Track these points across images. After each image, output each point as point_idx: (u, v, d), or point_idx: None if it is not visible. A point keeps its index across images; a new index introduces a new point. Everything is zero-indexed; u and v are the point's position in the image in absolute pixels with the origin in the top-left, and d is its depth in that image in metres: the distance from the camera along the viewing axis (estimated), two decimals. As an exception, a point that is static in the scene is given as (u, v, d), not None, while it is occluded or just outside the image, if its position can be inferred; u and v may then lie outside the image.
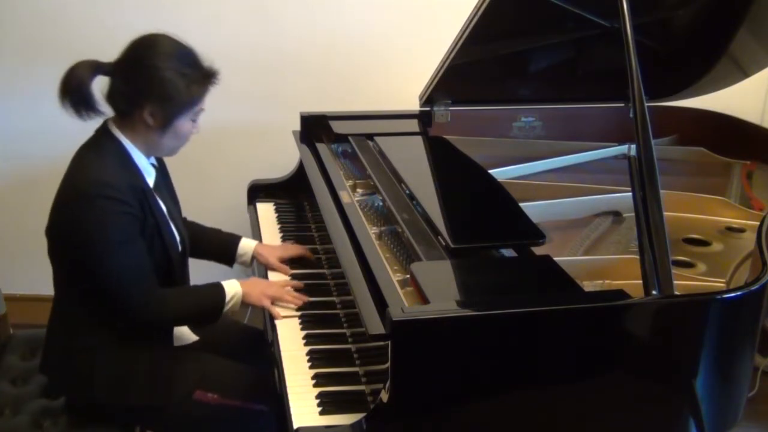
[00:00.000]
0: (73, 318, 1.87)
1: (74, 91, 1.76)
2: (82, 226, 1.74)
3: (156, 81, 1.75)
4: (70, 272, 1.84)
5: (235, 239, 2.20)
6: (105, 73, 1.80)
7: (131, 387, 1.84)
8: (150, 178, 1.88)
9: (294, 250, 2.19)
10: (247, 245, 2.19)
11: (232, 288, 1.91)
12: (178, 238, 1.94)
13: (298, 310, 1.94)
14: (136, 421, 1.98)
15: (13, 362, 2.11)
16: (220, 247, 2.20)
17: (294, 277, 2.13)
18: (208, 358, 1.97)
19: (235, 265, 2.23)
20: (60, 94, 1.78)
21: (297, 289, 2.00)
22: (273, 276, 2.11)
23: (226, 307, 1.89)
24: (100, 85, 1.81)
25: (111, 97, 1.80)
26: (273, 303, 1.93)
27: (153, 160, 1.93)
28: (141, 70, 1.77)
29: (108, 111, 1.83)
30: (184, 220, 2.09)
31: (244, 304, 1.92)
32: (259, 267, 2.18)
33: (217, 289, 1.90)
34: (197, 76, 1.80)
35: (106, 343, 1.85)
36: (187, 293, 1.96)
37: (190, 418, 1.87)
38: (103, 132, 1.85)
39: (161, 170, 1.99)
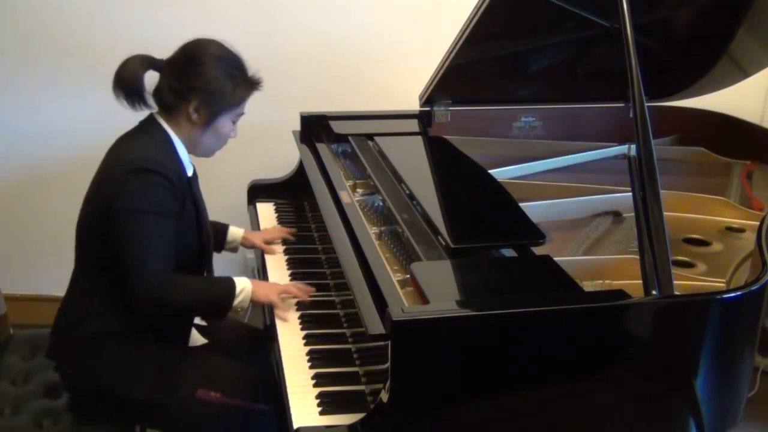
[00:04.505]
0: (89, 302, 1.88)
1: (127, 81, 1.83)
2: (120, 192, 1.77)
3: (206, 77, 1.84)
4: (93, 249, 1.86)
5: (223, 227, 2.28)
6: (157, 69, 1.87)
7: (137, 380, 1.84)
8: (190, 171, 1.94)
9: (276, 232, 2.32)
10: (235, 231, 2.29)
11: (242, 282, 1.90)
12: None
13: (300, 309, 1.94)
14: (137, 419, 1.98)
15: (13, 362, 2.11)
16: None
17: (294, 276, 2.13)
18: (210, 358, 1.97)
19: (235, 266, 2.24)
20: (114, 85, 1.84)
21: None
22: (273, 277, 2.12)
23: (236, 301, 1.87)
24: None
25: (159, 92, 1.87)
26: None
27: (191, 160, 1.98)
28: (193, 67, 1.85)
29: (155, 107, 1.90)
30: None
31: (253, 301, 1.92)
32: (258, 261, 2.18)
33: (228, 282, 1.89)
34: (243, 80, 1.90)
35: (118, 332, 1.86)
36: (198, 281, 1.97)
37: (192, 417, 1.87)
38: (149, 121, 1.91)
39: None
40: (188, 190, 1.89)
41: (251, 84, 1.92)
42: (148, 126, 1.90)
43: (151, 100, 1.88)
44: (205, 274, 2.03)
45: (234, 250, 2.31)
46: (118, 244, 1.77)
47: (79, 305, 1.90)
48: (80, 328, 1.87)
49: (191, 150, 1.95)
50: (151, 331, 1.87)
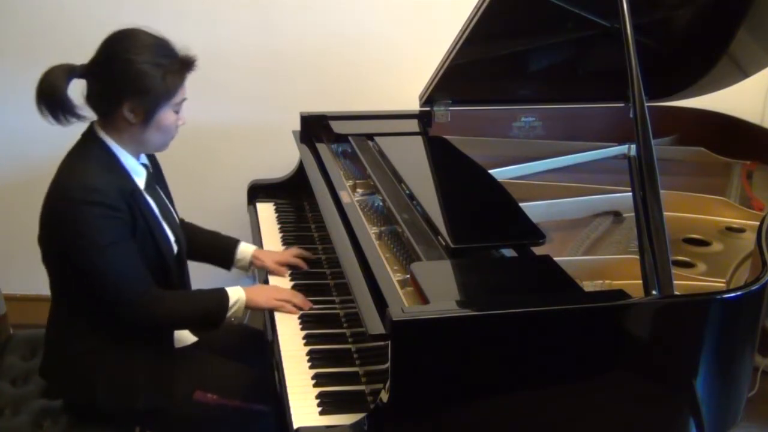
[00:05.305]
0: (71, 323, 1.86)
1: (48, 96, 1.73)
2: (69, 230, 1.72)
3: (131, 75, 1.71)
4: (64, 277, 1.83)
5: (233, 243, 2.18)
6: (79, 76, 1.77)
7: (132, 391, 1.83)
8: (139, 178, 1.85)
9: (288, 256, 2.16)
10: (245, 249, 2.18)
11: (236, 294, 1.88)
12: (172, 238, 1.92)
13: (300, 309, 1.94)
14: (136, 421, 1.98)
15: (13, 362, 2.11)
16: (218, 249, 2.18)
17: (294, 276, 2.13)
18: (207, 359, 1.97)
19: (234, 270, 2.22)
20: (36, 100, 1.74)
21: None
22: (273, 281, 2.10)
23: (229, 312, 1.86)
24: (81, 89, 1.79)
25: (89, 98, 1.77)
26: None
27: (144, 159, 1.90)
28: (114, 67, 1.74)
29: (91, 114, 1.79)
30: (182, 221, 2.07)
31: (251, 308, 1.90)
32: (260, 272, 2.17)
33: (221, 294, 1.87)
34: (173, 66, 1.76)
35: (105, 348, 1.84)
36: (188, 297, 1.94)
37: (190, 419, 1.87)
38: (88, 135, 1.82)
39: (155, 170, 1.97)
40: (135, 204, 1.78)
41: (183, 67, 1.77)
42: (87, 141, 1.80)
43: (81, 111, 1.75)
44: (180, 284, 1.96)
45: (244, 268, 2.19)
46: (89, 280, 1.75)
47: (61, 327, 1.88)
48: (67, 349, 1.86)
49: (141, 150, 1.85)
50: (136, 338, 1.85)
